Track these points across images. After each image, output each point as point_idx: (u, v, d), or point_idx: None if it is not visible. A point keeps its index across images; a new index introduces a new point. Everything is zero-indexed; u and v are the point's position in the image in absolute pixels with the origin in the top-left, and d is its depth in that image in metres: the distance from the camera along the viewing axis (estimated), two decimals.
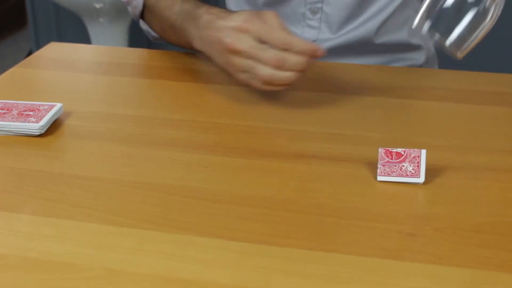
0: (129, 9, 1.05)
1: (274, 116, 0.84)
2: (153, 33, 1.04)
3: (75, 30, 2.57)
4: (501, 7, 0.70)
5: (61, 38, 2.63)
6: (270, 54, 0.79)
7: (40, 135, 0.78)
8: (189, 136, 0.79)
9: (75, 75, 0.97)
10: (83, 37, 2.40)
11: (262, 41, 0.80)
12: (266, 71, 0.80)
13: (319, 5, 1.03)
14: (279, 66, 0.79)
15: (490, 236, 0.61)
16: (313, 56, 0.80)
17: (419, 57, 1.11)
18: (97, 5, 2.21)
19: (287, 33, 0.80)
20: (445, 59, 0.97)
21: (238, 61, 0.81)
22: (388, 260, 0.57)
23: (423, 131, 0.80)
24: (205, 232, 0.61)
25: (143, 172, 0.71)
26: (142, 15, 1.04)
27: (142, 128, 0.81)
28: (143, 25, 1.05)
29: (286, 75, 0.80)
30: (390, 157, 0.69)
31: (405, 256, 0.58)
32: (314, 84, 0.93)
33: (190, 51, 0.99)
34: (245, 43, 0.80)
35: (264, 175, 0.71)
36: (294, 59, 0.79)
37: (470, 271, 0.56)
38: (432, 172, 0.71)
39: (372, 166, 0.71)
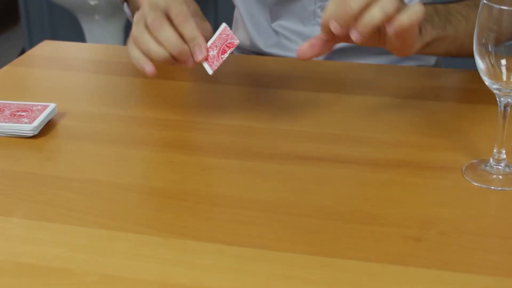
0: None
1: (275, 116, 0.82)
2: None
3: (69, 28, 2.56)
4: None
5: (55, 36, 2.62)
6: (153, 17, 0.73)
7: (33, 136, 0.77)
8: (186, 137, 0.78)
9: (70, 74, 0.96)
10: (78, 35, 2.39)
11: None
12: (140, 32, 0.74)
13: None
14: (153, 31, 0.73)
15: (498, 240, 0.60)
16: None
17: (430, 59, 1.10)
18: (92, 2, 2.20)
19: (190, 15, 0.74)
20: (448, 59, 0.96)
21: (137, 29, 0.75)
22: (392, 265, 0.56)
23: (426, 131, 0.79)
24: (202, 236, 0.60)
25: (139, 174, 0.71)
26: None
27: (138, 128, 0.80)
28: (126, 9, 1.00)
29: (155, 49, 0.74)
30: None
31: (409, 261, 0.57)
32: (315, 84, 0.92)
33: None
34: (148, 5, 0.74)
35: (263, 177, 0.70)
36: (169, 34, 0.73)
37: (477, 276, 0.55)
38: (437, 174, 0.70)
39: (376, 167, 0.70)
